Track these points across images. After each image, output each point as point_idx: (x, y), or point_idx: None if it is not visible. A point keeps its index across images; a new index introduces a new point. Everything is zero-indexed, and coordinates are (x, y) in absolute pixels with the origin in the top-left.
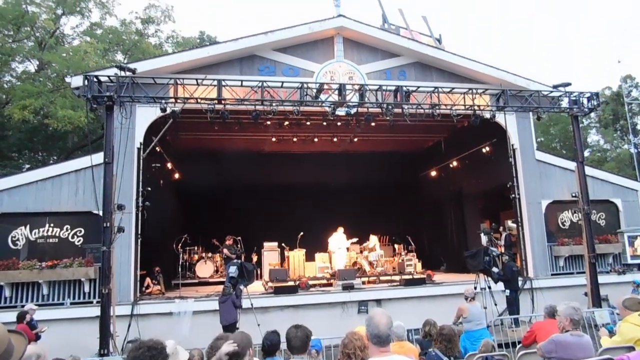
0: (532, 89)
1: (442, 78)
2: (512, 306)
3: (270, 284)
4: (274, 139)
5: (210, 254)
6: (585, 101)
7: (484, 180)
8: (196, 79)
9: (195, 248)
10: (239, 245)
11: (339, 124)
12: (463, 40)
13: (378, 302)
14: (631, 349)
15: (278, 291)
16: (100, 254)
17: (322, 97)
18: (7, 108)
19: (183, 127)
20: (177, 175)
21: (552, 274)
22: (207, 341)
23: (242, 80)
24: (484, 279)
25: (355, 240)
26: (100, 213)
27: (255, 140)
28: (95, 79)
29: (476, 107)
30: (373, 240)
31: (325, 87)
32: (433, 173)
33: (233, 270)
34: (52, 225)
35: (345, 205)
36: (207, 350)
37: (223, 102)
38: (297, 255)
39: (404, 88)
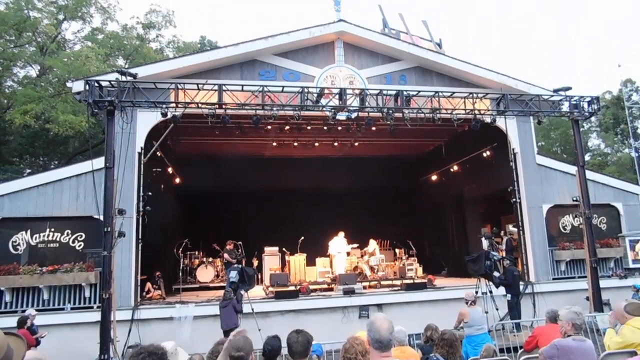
0: (533, 93)
1: (442, 82)
2: (514, 311)
3: (271, 288)
4: (274, 144)
5: (211, 259)
6: (585, 105)
7: (484, 184)
8: (197, 84)
9: (196, 252)
10: (239, 250)
11: (339, 128)
12: (463, 42)
13: (379, 306)
14: (633, 353)
15: (279, 296)
16: (101, 258)
17: (323, 101)
18: (8, 113)
19: (184, 131)
20: (177, 180)
21: (553, 279)
22: (208, 346)
23: (242, 85)
24: (485, 283)
25: (356, 245)
26: (101, 218)
27: (256, 144)
28: (96, 84)
29: (477, 112)
30: (372, 244)
31: (326, 91)
32: (434, 177)
33: (234, 275)
34: (52, 230)
35: (346, 210)
36: (208, 355)
37: (224, 106)
38: (297, 260)
39: (405, 92)
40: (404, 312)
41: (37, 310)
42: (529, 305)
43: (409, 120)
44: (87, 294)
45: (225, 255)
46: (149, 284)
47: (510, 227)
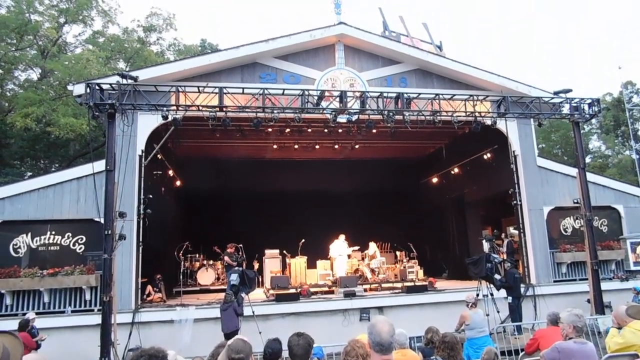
0: (533, 96)
1: (443, 85)
2: (515, 313)
3: (271, 291)
4: (275, 146)
5: (211, 262)
6: (586, 107)
7: (485, 186)
8: (197, 87)
9: (197, 255)
10: (240, 253)
11: (340, 131)
12: (463, 45)
13: (380, 309)
14: (635, 356)
15: (279, 299)
16: (102, 261)
17: (323, 104)
18: (9, 116)
19: (184, 134)
20: (178, 183)
21: (554, 281)
22: (208, 349)
23: (243, 88)
24: (486, 286)
25: (356, 248)
26: (102, 220)
27: (256, 147)
28: (97, 87)
29: (477, 114)
30: (372, 247)
31: (327, 94)
32: (434, 180)
33: (234, 277)
34: (53, 232)
35: (347, 212)
36: (209, 358)
37: (224, 109)
38: (298, 263)
39: (405, 95)
40: (405, 315)
41: (37, 313)
42: (530, 307)
43: (410, 122)
44: (87, 297)
45: (226, 258)
46: (149, 287)
47: (511, 230)
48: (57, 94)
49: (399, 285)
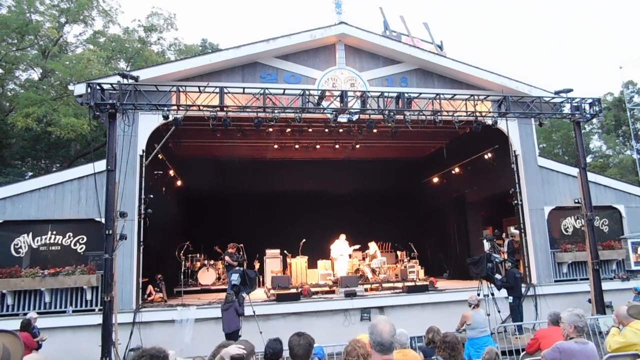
0: (534, 95)
1: (443, 84)
2: (516, 313)
3: (272, 291)
4: (276, 146)
5: (212, 261)
6: (587, 107)
7: (486, 186)
8: (198, 87)
9: (198, 255)
10: (241, 253)
11: (340, 131)
12: (464, 44)
13: (381, 309)
14: (636, 356)
15: (280, 298)
16: (103, 261)
17: (324, 104)
18: (10, 116)
19: (185, 134)
20: (179, 182)
21: (555, 281)
22: (209, 349)
23: (244, 88)
24: (487, 285)
25: (357, 247)
26: (103, 220)
27: (257, 147)
28: (98, 87)
29: (478, 114)
30: (372, 247)
31: (327, 94)
32: (435, 179)
33: (235, 277)
34: (54, 232)
35: (348, 212)
36: (210, 358)
37: (225, 109)
38: (299, 263)
39: (406, 95)
40: (406, 315)
41: (38, 313)
42: (531, 307)
43: (410, 122)
44: (88, 297)
45: (227, 258)
46: (150, 287)
47: (512, 230)
48: (58, 94)
49: (399, 285)
